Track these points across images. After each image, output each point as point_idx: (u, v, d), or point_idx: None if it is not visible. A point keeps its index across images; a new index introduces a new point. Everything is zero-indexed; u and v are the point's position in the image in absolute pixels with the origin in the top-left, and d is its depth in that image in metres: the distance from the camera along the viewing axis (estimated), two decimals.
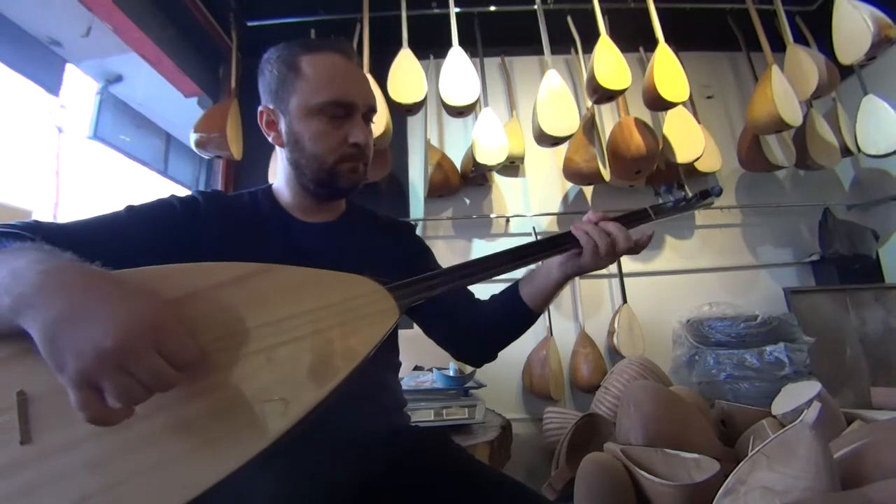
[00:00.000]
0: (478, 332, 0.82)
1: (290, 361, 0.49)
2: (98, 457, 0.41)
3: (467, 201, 2.21)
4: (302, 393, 0.47)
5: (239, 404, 0.45)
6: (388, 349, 0.83)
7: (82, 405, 0.38)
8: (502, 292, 0.82)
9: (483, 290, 0.87)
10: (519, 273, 0.73)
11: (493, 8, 2.10)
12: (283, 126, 0.74)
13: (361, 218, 0.87)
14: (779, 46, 1.89)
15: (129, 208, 0.69)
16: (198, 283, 0.49)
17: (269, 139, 0.78)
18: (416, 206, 2.18)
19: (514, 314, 0.79)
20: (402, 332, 0.85)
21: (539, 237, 2.07)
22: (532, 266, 0.76)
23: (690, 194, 0.81)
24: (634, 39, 2.13)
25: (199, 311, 0.48)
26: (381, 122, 1.70)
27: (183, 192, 0.80)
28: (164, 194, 0.75)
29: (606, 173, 1.88)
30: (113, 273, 0.46)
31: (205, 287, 0.49)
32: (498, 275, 0.67)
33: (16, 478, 0.40)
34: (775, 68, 1.80)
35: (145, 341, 0.39)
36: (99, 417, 0.39)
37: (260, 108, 0.77)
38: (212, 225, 0.72)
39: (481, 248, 2.15)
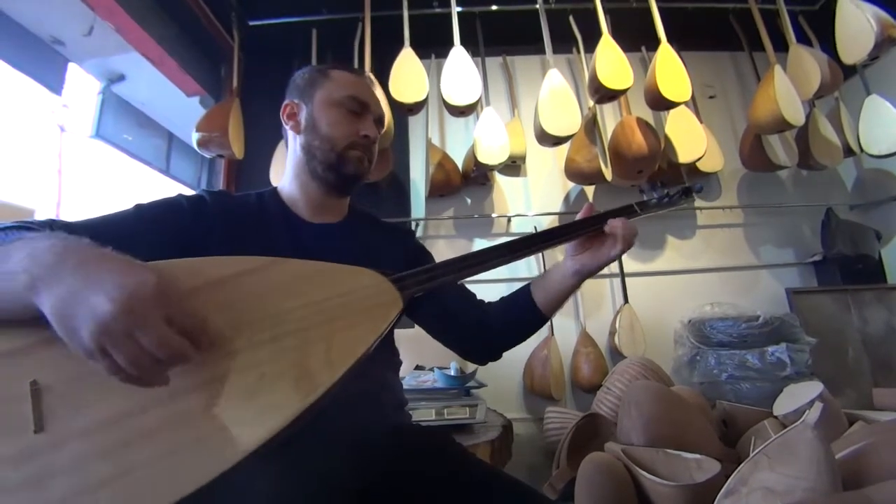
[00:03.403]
0: (486, 331, 0.84)
1: (297, 351, 0.50)
2: (110, 445, 0.42)
3: (468, 201, 2.21)
4: (309, 381, 0.48)
5: (247, 393, 0.46)
6: (387, 348, 0.84)
7: (112, 370, 0.40)
8: (513, 295, 0.85)
9: (488, 292, 0.88)
10: (519, 269, 0.74)
11: (494, 7, 2.10)
12: (303, 115, 0.81)
13: (364, 220, 0.90)
14: (781, 46, 1.89)
15: (138, 207, 0.70)
16: (203, 276, 0.51)
17: (287, 127, 0.83)
18: (418, 206, 2.18)
19: (527, 317, 0.82)
20: (403, 332, 0.85)
21: None
22: (533, 261, 0.79)
23: (672, 190, 0.86)
24: (636, 39, 2.12)
25: (204, 303, 0.48)
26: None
27: (186, 191, 0.81)
28: (171, 193, 0.76)
29: (608, 173, 1.88)
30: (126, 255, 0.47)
31: (210, 280, 0.51)
32: (496, 266, 0.69)
33: (31, 465, 0.41)
34: (778, 68, 1.80)
35: (150, 307, 0.40)
36: (130, 379, 0.40)
37: (285, 103, 0.83)
38: (219, 224, 0.73)
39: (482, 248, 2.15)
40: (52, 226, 0.58)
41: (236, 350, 0.47)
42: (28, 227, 0.54)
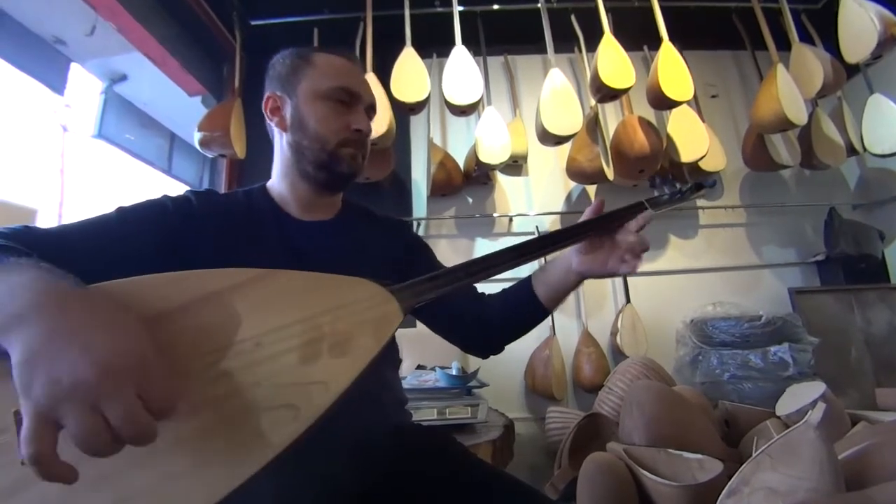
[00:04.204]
0: (487, 326, 0.83)
1: (295, 368, 0.48)
2: (103, 473, 0.38)
3: (470, 200, 2.21)
4: (309, 399, 0.47)
5: (245, 415, 0.44)
6: (387, 346, 0.83)
7: (33, 436, 0.33)
8: (514, 289, 0.83)
9: (488, 286, 0.88)
10: (523, 267, 0.74)
11: (496, 6, 2.10)
12: (288, 110, 0.76)
13: (358, 216, 0.86)
14: (784, 45, 1.88)
15: (120, 210, 0.67)
16: (194, 291, 0.48)
17: (272, 124, 0.78)
18: (419, 205, 2.18)
19: (528, 311, 0.81)
20: (404, 332, 0.85)
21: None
22: (541, 261, 0.77)
23: (685, 187, 0.83)
24: (638, 38, 2.11)
25: (197, 321, 0.47)
26: (384, 120, 1.70)
27: (179, 189, 0.78)
28: (157, 195, 0.73)
29: (610, 172, 1.88)
30: (112, 298, 0.43)
31: (202, 296, 0.48)
32: (501, 272, 0.67)
33: (19, 500, 0.38)
34: (780, 67, 1.79)
35: (128, 378, 0.36)
36: (42, 458, 0.33)
37: (266, 95, 0.78)
38: (206, 225, 0.70)
39: (484, 248, 2.15)
40: (28, 236, 0.56)
41: (228, 372, 0.45)
42: (5, 246, 0.50)
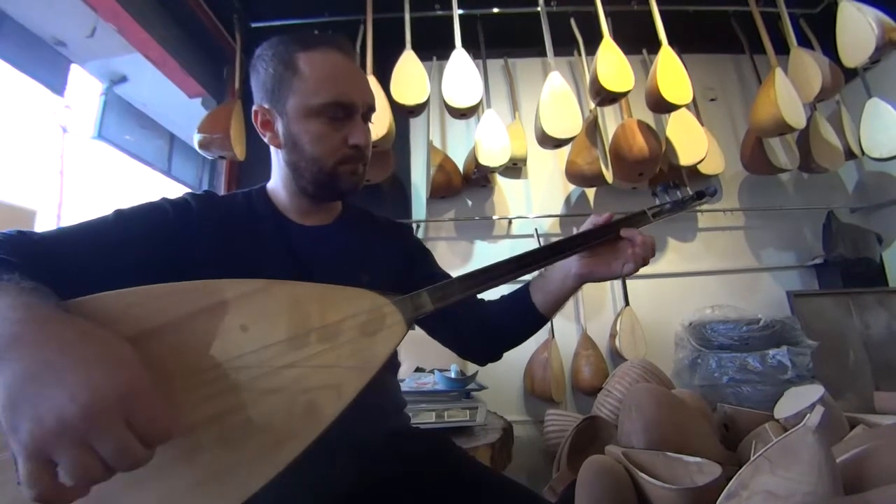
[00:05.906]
0: (485, 333, 0.83)
1: (298, 382, 0.47)
2: (102, 494, 0.37)
3: (469, 203, 2.21)
4: (314, 412, 0.46)
5: (248, 431, 0.44)
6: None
7: (31, 480, 0.33)
8: (511, 296, 0.83)
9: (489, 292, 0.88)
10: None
11: (496, 10, 2.10)
12: (280, 127, 0.72)
13: (358, 219, 0.86)
14: (782, 49, 1.89)
15: (118, 213, 0.65)
16: (194, 304, 0.47)
17: (265, 140, 0.75)
18: (419, 208, 2.18)
19: (526, 319, 0.80)
20: None
21: (541, 240, 2.08)
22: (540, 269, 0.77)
23: (686, 195, 0.83)
24: (637, 41, 2.12)
25: (195, 335, 0.46)
26: (383, 123, 1.70)
27: (178, 191, 0.77)
28: (155, 197, 0.71)
29: (609, 175, 1.88)
30: (99, 322, 0.42)
31: (202, 308, 0.47)
32: (504, 283, 0.66)
33: None
34: (779, 71, 1.80)
35: (115, 413, 0.35)
36: (48, 496, 0.33)
37: (254, 108, 0.74)
38: (206, 229, 0.69)
39: (483, 250, 2.15)
40: (22, 241, 0.54)
41: (233, 388, 0.45)
42: None
